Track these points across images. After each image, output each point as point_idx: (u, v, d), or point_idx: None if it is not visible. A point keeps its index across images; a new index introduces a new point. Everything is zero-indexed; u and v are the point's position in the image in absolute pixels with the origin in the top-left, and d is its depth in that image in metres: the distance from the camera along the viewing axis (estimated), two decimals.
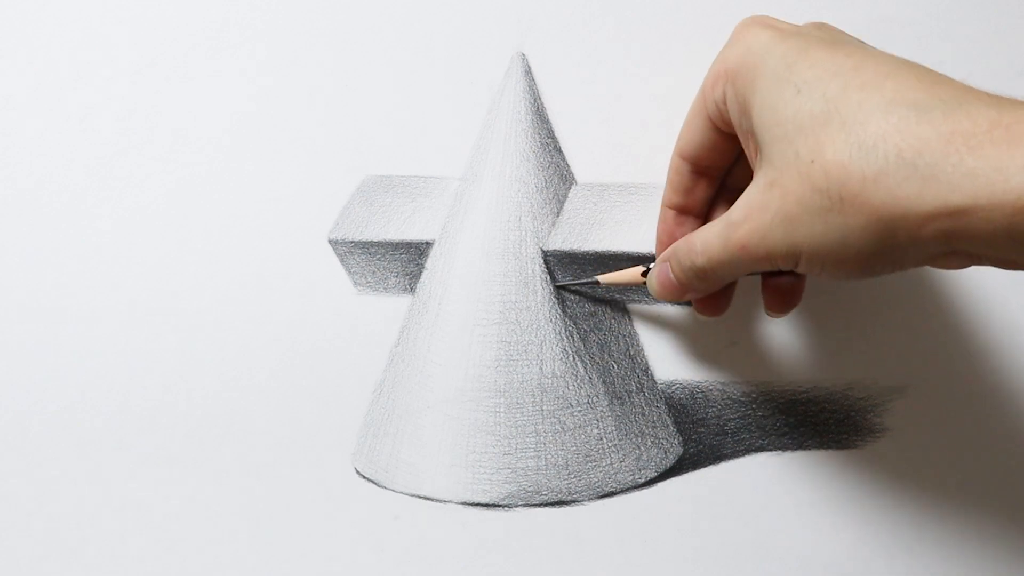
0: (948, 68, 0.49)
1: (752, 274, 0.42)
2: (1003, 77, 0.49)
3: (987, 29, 0.49)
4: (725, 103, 0.40)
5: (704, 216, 0.45)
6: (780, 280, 0.44)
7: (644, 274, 0.46)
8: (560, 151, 0.49)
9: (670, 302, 0.45)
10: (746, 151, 0.41)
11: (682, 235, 0.44)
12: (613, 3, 0.49)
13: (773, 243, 0.37)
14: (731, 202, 0.44)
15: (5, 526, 0.50)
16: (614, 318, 0.50)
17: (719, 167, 0.44)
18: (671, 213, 0.45)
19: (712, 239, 0.40)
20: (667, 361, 0.50)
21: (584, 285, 0.48)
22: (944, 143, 0.33)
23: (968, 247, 0.34)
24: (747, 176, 0.42)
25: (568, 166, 0.49)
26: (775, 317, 0.48)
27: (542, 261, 0.48)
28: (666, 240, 0.45)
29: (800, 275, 0.45)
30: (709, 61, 0.42)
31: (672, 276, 0.43)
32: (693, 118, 0.43)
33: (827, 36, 0.39)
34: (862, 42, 0.40)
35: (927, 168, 0.33)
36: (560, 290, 0.48)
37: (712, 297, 0.46)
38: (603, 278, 0.47)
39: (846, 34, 0.40)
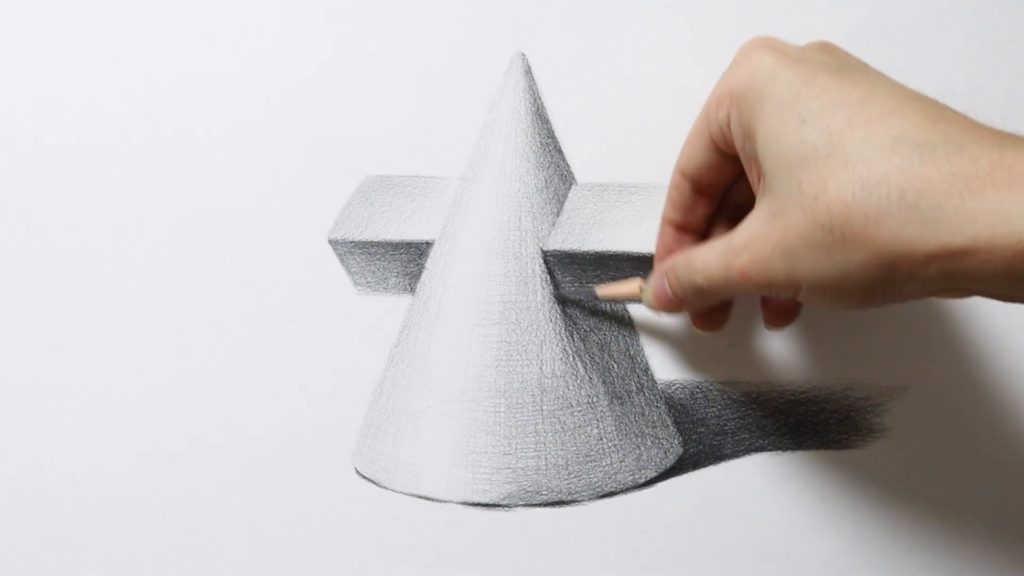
0: (948, 68, 0.49)
1: None
2: (1003, 77, 0.49)
3: (987, 29, 0.49)
4: (729, 126, 0.40)
5: (703, 233, 0.45)
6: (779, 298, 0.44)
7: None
8: (560, 151, 0.49)
9: (663, 313, 0.45)
10: (748, 174, 0.41)
11: (681, 250, 0.44)
12: (613, 3, 0.49)
13: (774, 274, 0.38)
14: (731, 219, 0.44)
15: (5, 526, 0.50)
16: (614, 318, 0.50)
17: (719, 186, 0.44)
18: (670, 229, 0.45)
19: (712, 261, 0.40)
20: (667, 361, 0.50)
21: (584, 297, 0.48)
22: (946, 185, 0.33)
23: (968, 284, 0.34)
24: (747, 195, 0.42)
25: (568, 166, 0.49)
26: (773, 330, 0.48)
27: (542, 261, 0.48)
28: (664, 255, 0.45)
29: (797, 309, 0.46)
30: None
31: (669, 290, 0.43)
32: (695, 137, 0.43)
33: (833, 62, 0.39)
34: (867, 66, 0.40)
35: (929, 210, 0.34)
36: (560, 300, 0.48)
37: (710, 313, 0.46)
38: (601, 291, 0.47)
39: (852, 57, 0.40)
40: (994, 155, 0.34)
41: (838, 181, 0.35)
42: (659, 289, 0.44)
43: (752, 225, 0.38)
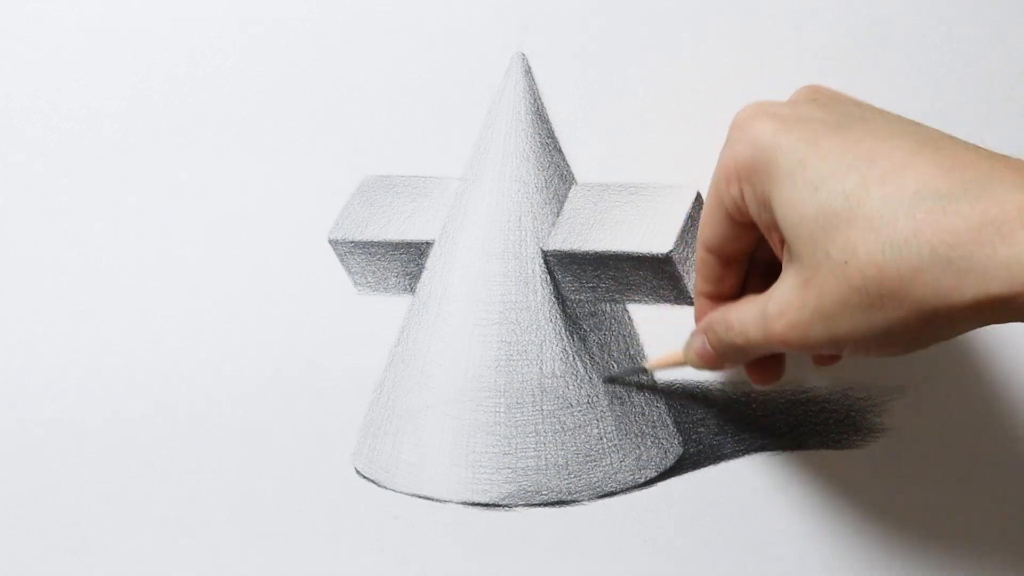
0: (948, 68, 0.49)
1: None
2: (1003, 77, 0.49)
3: (987, 29, 0.49)
4: (743, 199, 0.40)
5: (738, 296, 0.45)
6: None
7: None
8: (560, 151, 0.49)
9: (709, 370, 0.45)
10: (769, 242, 0.41)
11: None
12: (613, 3, 0.49)
13: (815, 338, 0.38)
14: (763, 276, 0.44)
15: (5, 526, 0.50)
16: (614, 318, 0.50)
17: (745, 253, 0.44)
18: (705, 300, 0.45)
19: (749, 323, 0.40)
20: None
21: (634, 373, 0.49)
22: (975, 234, 0.33)
23: (1006, 319, 0.35)
24: (773, 252, 0.42)
25: (568, 166, 0.49)
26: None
27: (542, 261, 0.48)
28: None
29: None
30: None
31: (710, 348, 0.43)
32: (711, 214, 0.43)
33: (830, 116, 0.39)
34: (860, 107, 0.39)
35: (962, 261, 0.33)
36: (609, 381, 0.49)
37: (764, 367, 0.45)
38: (651, 365, 0.48)
39: (843, 100, 0.40)
40: (1018, 197, 0.33)
41: (867, 244, 0.35)
42: (701, 349, 0.44)
43: (784, 294, 0.38)
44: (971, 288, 0.34)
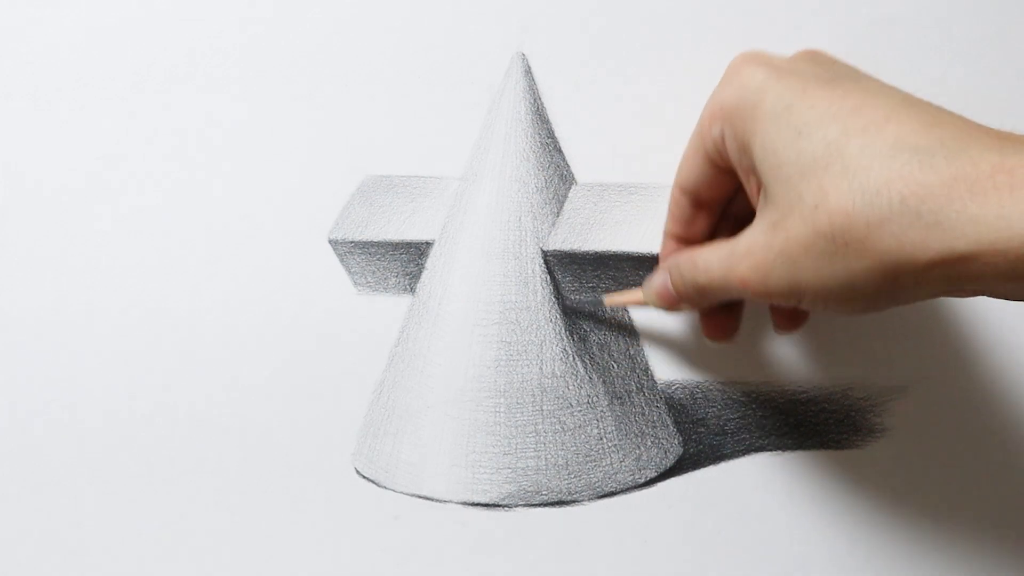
0: (948, 68, 0.49)
1: None
2: (1003, 77, 0.49)
3: (987, 29, 0.49)
4: (723, 141, 0.41)
5: (704, 242, 0.45)
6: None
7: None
8: (560, 151, 0.49)
9: (664, 311, 0.45)
10: (746, 187, 0.41)
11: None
12: (613, 3, 0.49)
13: (775, 282, 0.38)
14: (732, 230, 0.44)
15: (5, 526, 0.50)
16: (614, 318, 0.50)
17: (718, 200, 0.44)
18: (672, 242, 0.45)
19: (714, 262, 0.40)
20: (667, 361, 0.50)
21: (592, 304, 0.49)
22: (947, 189, 0.33)
23: (972, 287, 0.34)
24: (748, 207, 0.42)
25: (568, 166, 0.49)
26: (783, 335, 0.49)
27: (542, 261, 0.48)
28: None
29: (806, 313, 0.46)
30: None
31: (671, 287, 0.43)
32: (691, 154, 0.43)
33: (824, 72, 0.39)
34: (857, 72, 0.40)
35: (931, 215, 0.34)
36: (569, 309, 0.49)
37: (719, 320, 0.46)
38: (608, 299, 0.48)
39: (841, 64, 0.40)
40: (994, 158, 0.34)
41: (838, 190, 0.35)
42: (662, 286, 0.44)
43: (753, 234, 0.39)
44: (936, 243, 0.33)
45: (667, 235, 0.45)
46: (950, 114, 0.36)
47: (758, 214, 0.39)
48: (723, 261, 0.40)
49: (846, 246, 0.35)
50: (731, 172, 0.42)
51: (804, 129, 0.37)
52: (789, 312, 0.46)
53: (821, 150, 0.36)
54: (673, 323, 0.50)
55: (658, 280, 0.44)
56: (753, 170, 0.39)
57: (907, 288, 0.35)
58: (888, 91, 0.38)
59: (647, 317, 0.50)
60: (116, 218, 0.49)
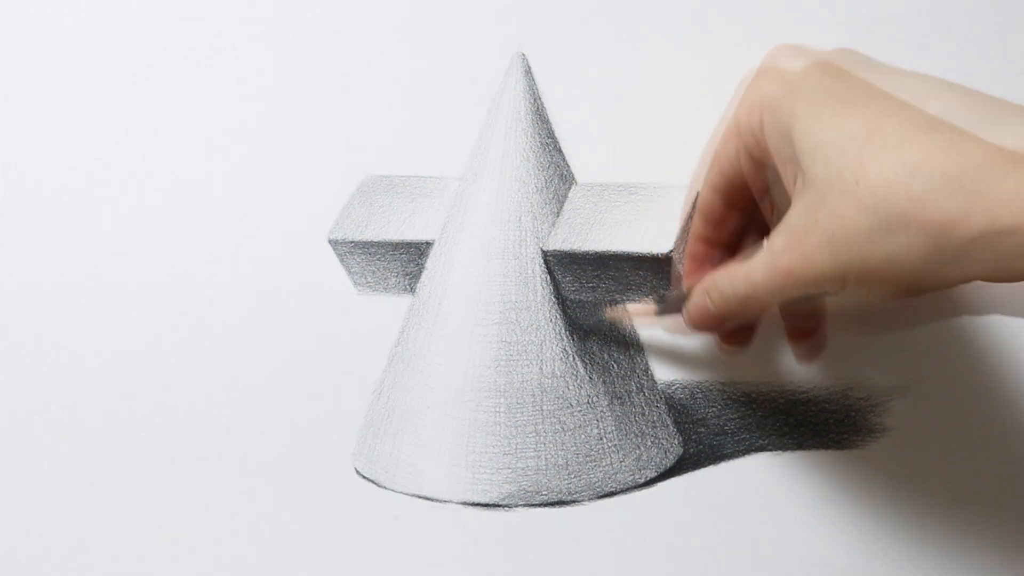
0: (948, 68, 0.49)
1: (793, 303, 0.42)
2: (1003, 77, 0.49)
3: (987, 29, 0.49)
4: (762, 131, 0.40)
5: (734, 248, 0.45)
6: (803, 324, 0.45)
7: (658, 311, 0.46)
8: (560, 151, 0.49)
9: (701, 333, 0.45)
10: (784, 180, 0.41)
11: (712, 268, 0.44)
12: (612, 3, 0.49)
13: (819, 266, 0.37)
14: (761, 236, 0.44)
15: (5, 526, 0.50)
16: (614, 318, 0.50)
17: (750, 197, 0.44)
18: (702, 245, 0.45)
19: (755, 268, 0.40)
20: (667, 361, 0.50)
21: (591, 304, 0.49)
22: (989, 159, 0.33)
23: (1015, 264, 0.34)
24: (778, 211, 0.42)
25: (568, 166, 0.49)
26: (806, 364, 0.49)
27: (542, 261, 0.48)
28: (694, 269, 0.45)
29: (821, 321, 0.46)
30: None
31: (711, 306, 0.43)
32: (725, 148, 0.43)
33: (859, 61, 0.40)
34: (893, 67, 0.40)
35: (973, 184, 0.33)
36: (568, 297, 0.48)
37: (739, 329, 0.46)
38: (611, 314, 0.48)
39: (876, 61, 0.41)
40: None
41: (879, 164, 0.35)
42: (701, 306, 0.43)
43: (791, 222, 0.38)
44: (979, 213, 0.33)
45: (695, 239, 0.45)
46: (988, 95, 0.37)
47: (794, 202, 0.39)
48: (763, 262, 0.39)
49: (888, 220, 0.35)
50: (762, 167, 0.42)
51: (842, 109, 0.37)
52: (807, 330, 0.45)
53: (860, 128, 0.36)
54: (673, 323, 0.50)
55: (696, 301, 0.43)
56: (792, 158, 0.39)
57: (949, 264, 0.35)
58: (924, 76, 0.38)
59: (647, 317, 0.50)
60: (116, 218, 0.49)
